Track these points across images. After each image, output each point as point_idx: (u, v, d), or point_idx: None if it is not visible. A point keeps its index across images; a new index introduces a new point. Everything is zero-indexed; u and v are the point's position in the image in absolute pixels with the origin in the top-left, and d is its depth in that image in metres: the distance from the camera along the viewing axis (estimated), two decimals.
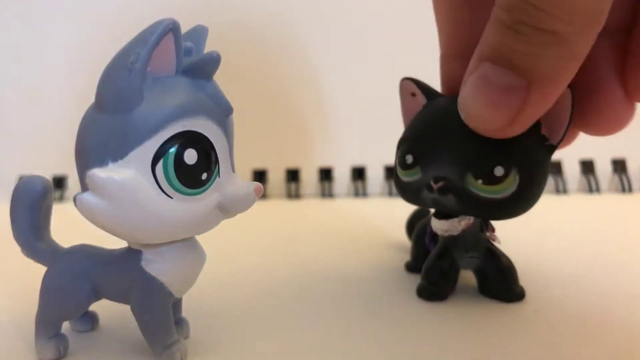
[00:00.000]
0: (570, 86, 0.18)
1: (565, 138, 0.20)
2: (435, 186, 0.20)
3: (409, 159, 0.21)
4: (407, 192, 0.22)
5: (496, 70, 0.17)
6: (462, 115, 0.18)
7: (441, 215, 0.22)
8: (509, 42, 0.16)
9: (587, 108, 0.19)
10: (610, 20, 0.18)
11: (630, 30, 0.18)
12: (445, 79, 0.23)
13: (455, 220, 0.21)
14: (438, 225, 0.22)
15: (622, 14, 0.18)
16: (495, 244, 0.23)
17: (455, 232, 0.22)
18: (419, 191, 0.21)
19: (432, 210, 0.23)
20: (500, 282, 0.22)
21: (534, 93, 0.16)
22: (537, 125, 0.20)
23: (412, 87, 0.23)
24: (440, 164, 0.20)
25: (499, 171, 0.19)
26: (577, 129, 0.20)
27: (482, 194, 0.19)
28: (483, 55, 0.17)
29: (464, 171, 0.19)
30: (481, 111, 0.18)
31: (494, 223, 0.23)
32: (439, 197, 0.20)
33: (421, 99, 0.23)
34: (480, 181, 0.19)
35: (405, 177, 0.22)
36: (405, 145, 0.22)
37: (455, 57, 0.22)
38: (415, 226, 0.27)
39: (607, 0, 0.15)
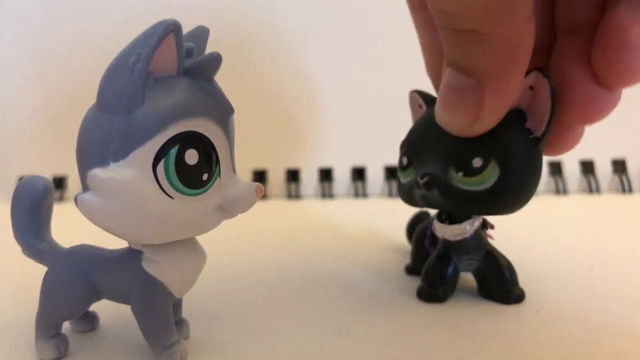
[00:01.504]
0: (548, 77, 0.19)
1: (566, 132, 0.20)
2: (421, 182, 0.21)
3: (404, 160, 0.23)
4: (402, 192, 0.23)
5: (452, 75, 0.18)
6: (437, 120, 0.20)
7: (450, 221, 0.22)
8: (448, 46, 0.17)
9: (566, 103, 0.19)
10: (577, 17, 0.19)
11: (596, 26, 0.19)
12: None
13: (467, 223, 0.22)
14: (448, 232, 0.22)
15: (587, 12, 0.19)
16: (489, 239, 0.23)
17: (467, 236, 0.22)
18: (410, 190, 0.22)
19: (436, 218, 0.23)
20: (500, 284, 0.22)
21: (485, 90, 0.17)
22: (521, 119, 0.20)
23: (418, 98, 0.25)
24: (427, 161, 0.21)
25: (477, 162, 0.20)
26: (568, 123, 0.20)
27: (464, 187, 0.20)
28: (445, 62, 0.18)
29: (446, 166, 0.20)
30: (444, 114, 0.19)
31: (494, 222, 0.23)
32: (425, 192, 0.21)
33: (425, 109, 0.24)
34: (460, 173, 0.20)
35: (402, 178, 0.23)
36: (403, 149, 0.24)
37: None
38: (416, 229, 0.27)
39: None
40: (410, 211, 0.31)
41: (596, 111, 0.19)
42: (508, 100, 0.18)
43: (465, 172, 0.20)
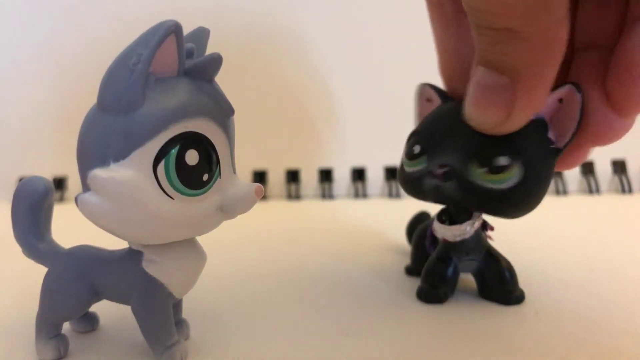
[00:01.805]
0: (581, 92, 0.19)
1: (575, 150, 0.20)
2: (439, 172, 0.20)
3: (417, 149, 0.22)
4: (408, 181, 0.23)
5: (485, 73, 0.18)
6: (465, 117, 0.19)
7: (450, 221, 0.22)
8: (482, 45, 0.17)
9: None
10: (594, 37, 0.19)
11: (613, 47, 0.19)
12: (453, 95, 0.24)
13: (467, 223, 0.22)
14: (449, 233, 0.22)
15: (607, 32, 0.19)
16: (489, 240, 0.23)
17: (467, 236, 0.22)
18: (420, 179, 0.22)
19: (436, 218, 0.23)
20: (500, 285, 0.22)
21: (518, 88, 0.17)
22: (544, 128, 0.20)
23: (428, 92, 0.24)
24: (446, 153, 0.21)
25: (502, 161, 0.19)
26: (579, 142, 0.20)
27: (482, 183, 0.20)
28: (477, 60, 0.18)
29: (468, 160, 0.20)
30: (474, 112, 0.19)
31: (494, 223, 0.23)
32: (441, 183, 0.20)
33: (436, 104, 0.24)
34: (483, 170, 0.20)
35: (410, 167, 0.22)
36: (414, 137, 0.23)
37: (456, 80, 0.23)
38: (416, 230, 0.27)
39: None
40: (411, 212, 0.31)
41: (608, 135, 0.19)
42: (540, 99, 0.18)
43: (488, 168, 0.20)
